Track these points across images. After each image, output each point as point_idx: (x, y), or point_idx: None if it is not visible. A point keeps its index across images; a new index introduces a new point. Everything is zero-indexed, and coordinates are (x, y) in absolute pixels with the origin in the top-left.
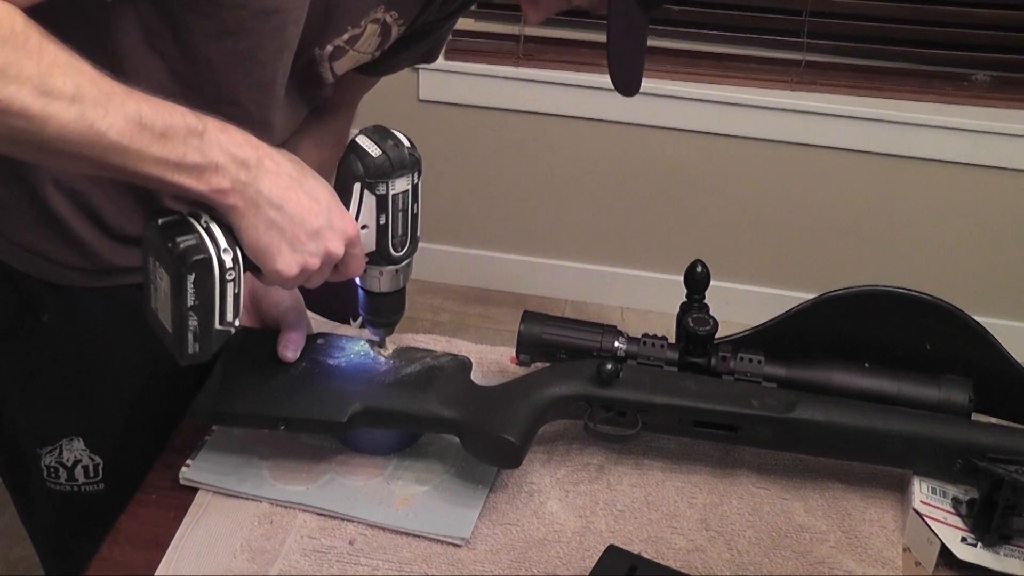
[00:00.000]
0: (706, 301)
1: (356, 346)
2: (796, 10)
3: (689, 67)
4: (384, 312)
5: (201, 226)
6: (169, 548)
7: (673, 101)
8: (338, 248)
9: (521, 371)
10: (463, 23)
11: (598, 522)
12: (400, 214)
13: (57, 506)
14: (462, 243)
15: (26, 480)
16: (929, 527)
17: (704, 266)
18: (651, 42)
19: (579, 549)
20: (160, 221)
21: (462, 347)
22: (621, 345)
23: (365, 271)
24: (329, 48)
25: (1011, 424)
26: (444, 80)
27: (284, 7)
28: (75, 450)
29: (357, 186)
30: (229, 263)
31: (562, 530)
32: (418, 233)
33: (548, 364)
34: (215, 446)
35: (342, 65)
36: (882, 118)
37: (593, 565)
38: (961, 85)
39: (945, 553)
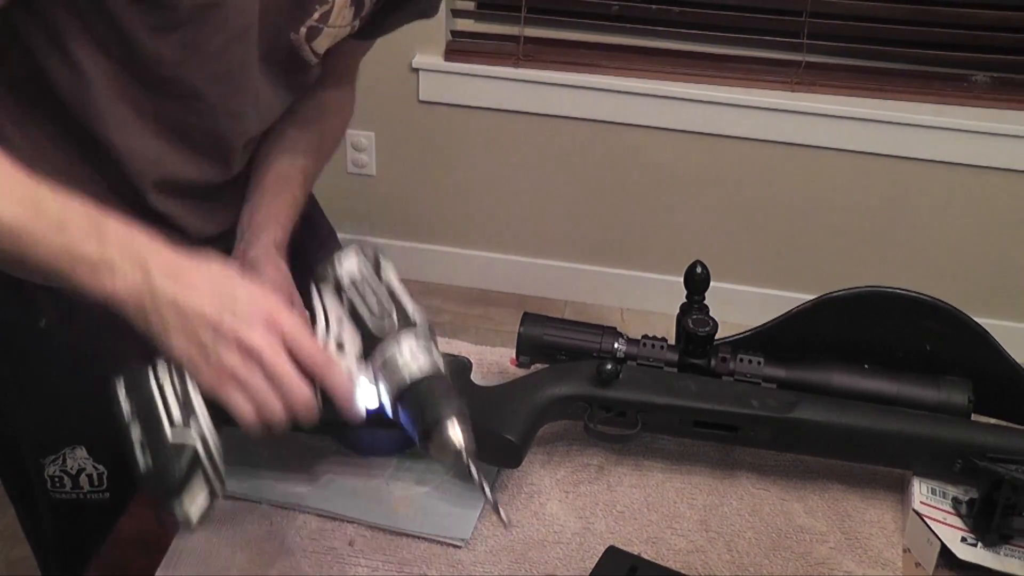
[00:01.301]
0: (706, 302)
1: None
2: (796, 11)
3: (689, 68)
4: (424, 413)
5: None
6: (169, 549)
7: (673, 102)
8: (250, 334)
9: (521, 372)
10: (463, 24)
11: (598, 523)
12: (368, 288)
13: (63, 516)
14: (462, 243)
15: (29, 492)
16: (929, 528)
17: (704, 267)
18: (651, 42)
19: (579, 550)
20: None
21: (462, 348)
22: (621, 346)
23: (363, 375)
24: (303, 30)
25: (1011, 424)
26: (444, 80)
27: (220, 0)
28: (78, 458)
29: (312, 288)
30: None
31: (562, 531)
32: (408, 305)
33: (548, 365)
34: None
35: (322, 43)
36: (882, 119)
37: (593, 566)
38: (961, 86)
39: (945, 554)
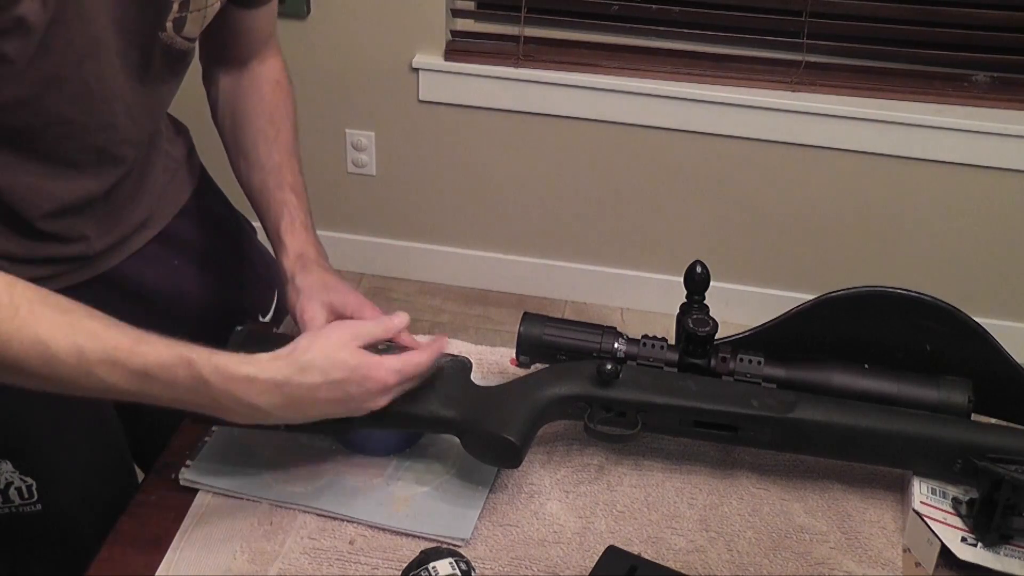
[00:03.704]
0: (706, 302)
1: None
2: (796, 11)
3: (689, 68)
4: None
5: None
6: (169, 549)
7: (673, 102)
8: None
9: (521, 372)
10: (463, 24)
11: (598, 523)
12: None
13: None
14: (462, 243)
15: None
16: (929, 527)
17: (704, 267)
18: (651, 42)
19: (579, 550)
20: None
21: (462, 348)
22: (621, 346)
23: None
24: (169, 25)
25: (1011, 424)
26: (444, 80)
27: (59, 18)
28: (4, 472)
29: None
30: None
31: (562, 531)
32: None
33: (548, 365)
34: (215, 447)
35: (193, 28)
36: (882, 119)
37: (593, 566)
38: (961, 86)
39: (945, 554)
